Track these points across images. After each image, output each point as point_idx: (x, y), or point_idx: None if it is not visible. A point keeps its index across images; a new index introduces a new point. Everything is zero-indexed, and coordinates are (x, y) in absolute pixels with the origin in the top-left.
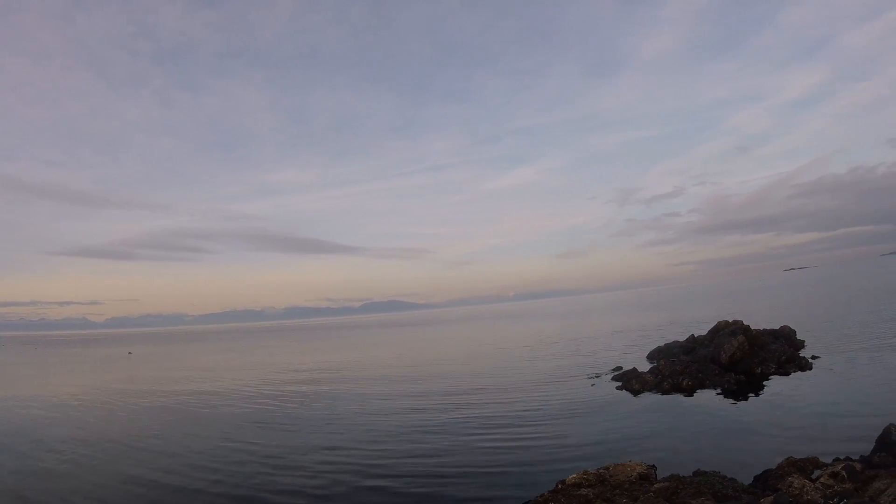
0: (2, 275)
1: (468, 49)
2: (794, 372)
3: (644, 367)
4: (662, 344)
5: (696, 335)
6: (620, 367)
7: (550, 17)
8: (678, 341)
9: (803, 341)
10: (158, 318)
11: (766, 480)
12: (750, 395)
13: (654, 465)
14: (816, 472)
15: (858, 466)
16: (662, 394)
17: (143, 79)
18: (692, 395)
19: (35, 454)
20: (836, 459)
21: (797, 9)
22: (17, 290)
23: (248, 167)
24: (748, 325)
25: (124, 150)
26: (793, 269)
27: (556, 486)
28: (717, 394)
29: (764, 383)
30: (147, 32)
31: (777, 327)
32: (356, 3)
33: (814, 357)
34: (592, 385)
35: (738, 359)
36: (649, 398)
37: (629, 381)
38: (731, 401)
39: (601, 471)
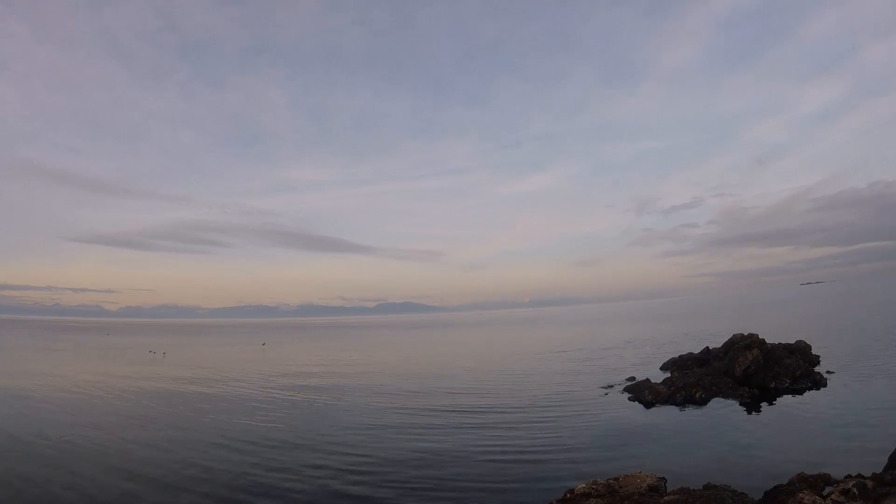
0: (19, 258)
1: (489, 53)
2: (809, 387)
3: (657, 377)
4: (676, 355)
5: (710, 347)
6: (634, 378)
7: (572, 25)
8: (692, 353)
9: (818, 357)
10: (172, 309)
11: (776, 496)
12: (763, 409)
13: (663, 477)
14: (827, 489)
15: (870, 484)
16: (675, 405)
17: (168, 71)
18: (705, 408)
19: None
20: (848, 476)
21: (818, 22)
22: (34, 274)
23: (266, 163)
24: (763, 339)
25: (145, 141)
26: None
27: (565, 495)
28: (730, 407)
29: (777, 398)
30: (173, 26)
31: (792, 342)
32: (378, 4)
33: (829, 373)
34: (605, 394)
35: (752, 372)
36: (661, 409)
37: (642, 391)
38: (744, 415)
39: (611, 481)
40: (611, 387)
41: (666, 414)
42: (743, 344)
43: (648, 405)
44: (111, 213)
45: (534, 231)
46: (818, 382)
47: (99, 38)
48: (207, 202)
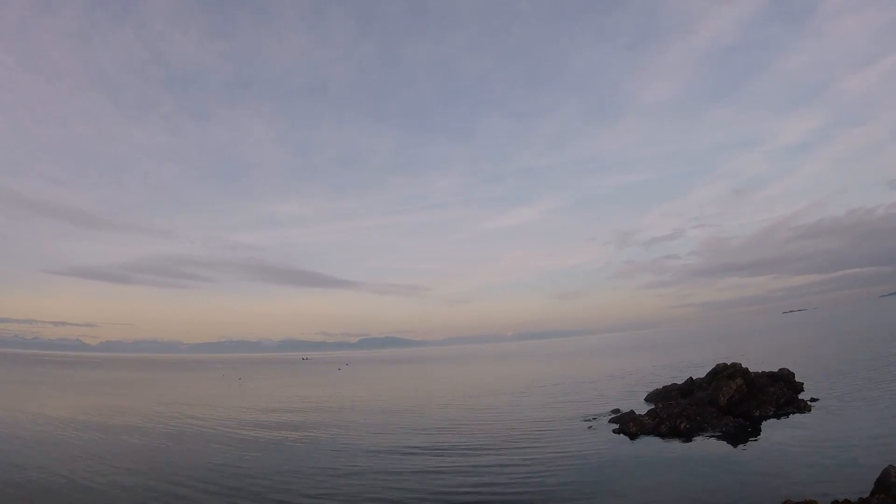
0: None
1: (473, 90)
2: (793, 414)
3: (642, 409)
4: (660, 386)
5: (694, 378)
6: (618, 410)
7: (554, 63)
8: (676, 384)
9: (802, 384)
10: (153, 343)
11: None
12: (748, 438)
13: None
14: None
15: None
16: (660, 437)
17: (154, 104)
18: (690, 439)
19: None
20: (835, 502)
21: (795, 55)
22: (13, 307)
23: (250, 197)
24: (746, 368)
25: (129, 174)
26: (792, 311)
27: None
28: (716, 437)
29: (762, 426)
30: (160, 59)
31: (776, 370)
32: (365, 41)
33: (813, 399)
34: (589, 427)
35: (736, 401)
36: (646, 441)
37: (626, 423)
38: (730, 444)
39: None
40: (595, 419)
41: (651, 445)
42: (726, 373)
43: (633, 437)
44: (93, 245)
45: (517, 264)
46: (802, 409)
47: (86, 69)
48: (190, 236)
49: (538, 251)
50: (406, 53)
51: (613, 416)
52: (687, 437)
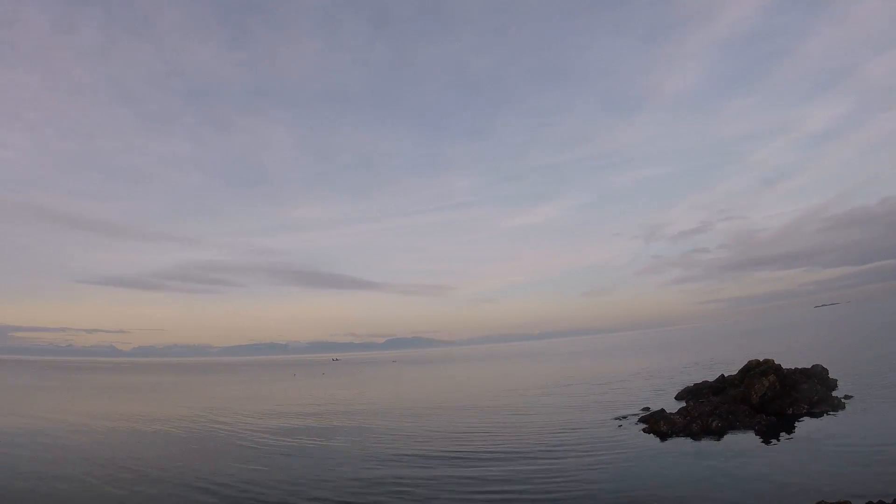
0: (33, 301)
1: (490, 87)
2: (827, 412)
3: (672, 407)
4: (691, 384)
5: (725, 375)
6: (648, 408)
7: (571, 56)
8: (707, 381)
9: (836, 380)
10: (184, 348)
11: None
12: (781, 436)
13: None
14: None
15: None
16: (691, 436)
17: (175, 115)
18: (722, 438)
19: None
20: (869, 503)
21: (817, 39)
22: (48, 316)
23: (274, 203)
24: (779, 365)
25: (155, 184)
26: (824, 305)
27: None
28: (748, 435)
29: (795, 424)
30: (179, 71)
31: (809, 366)
32: (379, 44)
33: (846, 397)
34: (619, 427)
35: (768, 399)
36: (677, 440)
37: (657, 422)
38: (762, 443)
39: None
40: (625, 418)
41: (682, 445)
42: (759, 370)
43: (664, 437)
44: (122, 255)
45: (541, 263)
46: (836, 407)
47: (106, 84)
48: (216, 242)
49: (562, 248)
50: (421, 54)
51: (643, 414)
52: (719, 435)
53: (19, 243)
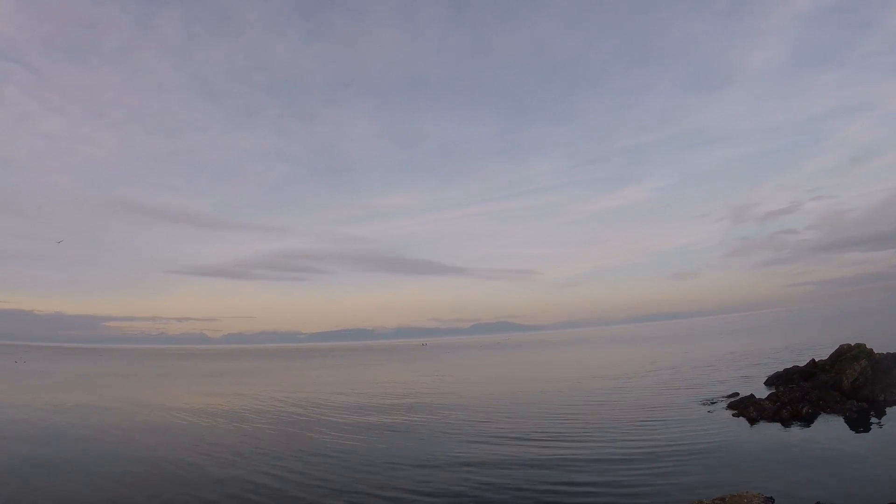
0: (124, 291)
1: (569, 70)
2: None
3: (762, 393)
4: (781, 369)
5: (816, 360)
6: (737, 394)
7: (651, 35)
8: (798, 366)
9: None
10: (273, 335)
11: None
12: (873, 423)
13: (771, 497)
14: None
15: None
16: (780, 421)
17: (259, 109)
18: (812, 424)
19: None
20: None
21: None
22: (139, 306)
23: (358, 192)
24: (871, 349)
25: (241, 177)
26: None
27: None
28: (838, 422)
29: (887, 410)
30: (262, 65)
31: None
32: (457, 31)
33: None
34: (708, 412)
35: (860, 385)
36: (767, 426)
37: (746, 407)
38: (853, 430)
39: (717, 501)
40: (713, 402)
41: (771, 431)
42: (850, 355)
43: (753, 422)
44: (210, 245)
45: (625, 246)
46: None
47: (190, 81)
48: (302, 231)
49: (648, 231)
50: (498, 39)
51: (732, 399)
52: (808, 421)
53: (109, 238)
